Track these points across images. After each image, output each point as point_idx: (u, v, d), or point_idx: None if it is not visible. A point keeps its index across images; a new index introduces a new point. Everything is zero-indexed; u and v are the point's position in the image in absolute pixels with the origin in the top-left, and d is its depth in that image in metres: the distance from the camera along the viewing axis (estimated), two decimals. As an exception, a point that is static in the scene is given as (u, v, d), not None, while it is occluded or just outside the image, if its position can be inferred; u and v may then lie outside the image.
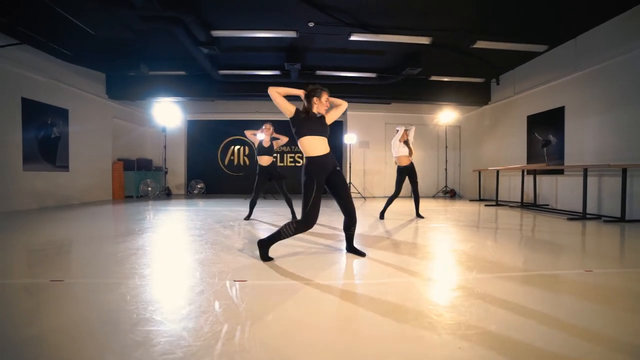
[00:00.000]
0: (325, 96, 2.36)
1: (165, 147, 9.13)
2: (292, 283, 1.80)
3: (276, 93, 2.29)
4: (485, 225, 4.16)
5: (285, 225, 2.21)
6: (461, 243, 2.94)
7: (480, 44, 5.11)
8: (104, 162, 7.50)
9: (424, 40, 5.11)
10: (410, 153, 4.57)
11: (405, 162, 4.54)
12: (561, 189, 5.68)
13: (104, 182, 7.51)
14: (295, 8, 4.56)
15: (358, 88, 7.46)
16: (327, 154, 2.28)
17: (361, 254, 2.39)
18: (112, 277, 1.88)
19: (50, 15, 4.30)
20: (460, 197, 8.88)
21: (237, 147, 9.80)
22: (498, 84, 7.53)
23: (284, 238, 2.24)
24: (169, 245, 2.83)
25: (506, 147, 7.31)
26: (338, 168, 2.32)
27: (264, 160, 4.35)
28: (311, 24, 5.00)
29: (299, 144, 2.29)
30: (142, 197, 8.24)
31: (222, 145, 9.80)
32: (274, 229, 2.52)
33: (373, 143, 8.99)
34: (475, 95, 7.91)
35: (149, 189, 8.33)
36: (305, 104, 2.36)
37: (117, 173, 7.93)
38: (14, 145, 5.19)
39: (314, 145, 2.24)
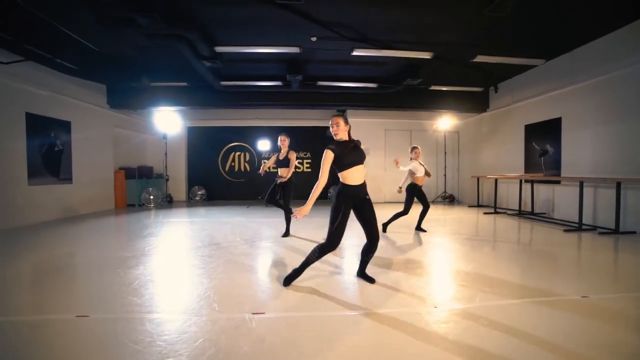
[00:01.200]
0: (336, 121, 2.39)
1: (166, 154, 9.19)
2: (313, 315, 1.90)
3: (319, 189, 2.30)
4: (485, 237, 4.29)
5: (311, 252, 2.37)
6: (463, 262, 3.06)
7: (480, 58, 5.21)
8: (106, 172, 7.54)
9: (426, 55, 5.21)
10: (427, 173, 4.52)
11: (421, 182, 4.50)
12: (558, 198, 5.83)
13: (107, 192, 7.55)
14: (299, 24, 4.62)
15: (358, 97, 7.54)
16: (363, 183, 2.37)
17: (371, 280, 2.50)
18: (134, 312, 1.96)
19: (55, 33, 4.32)
20: (459, 203, 9.03)
21: (237, 154, 9.85)
22: (496, 92, 7.64)
23: (311, 264, 2.41)
24: (182, 269, 2.91)
25: (504, 154, 7.44)
26: (368, 197, 2.40)
27: (282, 171, 4.36)
28: (314, 39, 5.06)
29: (339, 175, 2.35)
30: (144, 205, 8.29)
31: (222, 151, 9.85)
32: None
33: (373, 149, 9.09)
34: (474, 102, 8.03)
35: (151, 197, 8.38)
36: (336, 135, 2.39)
37: (119, 182, 7.96)
38: (19, 160, 5.22)
39: (356, 176, 2.32)
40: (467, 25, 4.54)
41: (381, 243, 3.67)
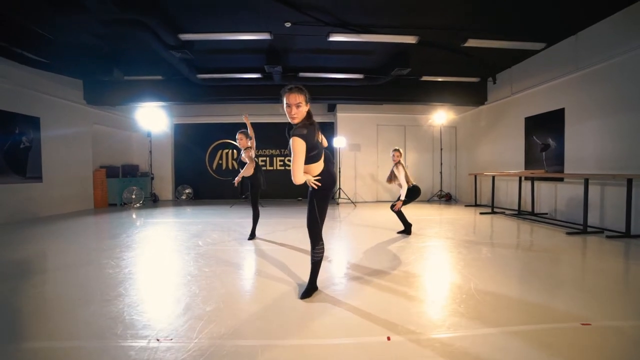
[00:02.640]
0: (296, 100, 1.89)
1: (150, 152, 8.88)
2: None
3: (300, 175, 1.90)
4: (481, 240, 3.81)
5: (312, 256, 2.10)
6: (456, 274, 2.61)
7: (472, 42, 4.71)
8: (84, 170, 7.23)
9: (410, 40, 4.73)
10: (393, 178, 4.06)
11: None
12: (561, 197, 5.30)
13: (84, 191, 7.25)
14: (269, 8, 4.20)
15: (346, 89, 7.08)
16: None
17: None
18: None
19: (7, 21, 3.99)
20: (456, 201, 8.51)
21: (225, 151, 9.49)
22: (494, 83, 7.10)
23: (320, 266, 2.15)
24: (162, 291, 2.44)
25: (503, 150, 6.91)
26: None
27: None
28: (288, 24, 4.63)
29: (309, 167, 1.98)
30: (126, 204, 7.98)
31: (210, 149, 9.50)
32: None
33: (365, 146, 8.62)
34: (471, 95, 7.49)
35: (133, 196, 8.07)
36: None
37: (99, 181, 7.66)
38: (-22, 158, 4.92)
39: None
40: (456, 3, 4.06)
41: (370, 250, 3.21)
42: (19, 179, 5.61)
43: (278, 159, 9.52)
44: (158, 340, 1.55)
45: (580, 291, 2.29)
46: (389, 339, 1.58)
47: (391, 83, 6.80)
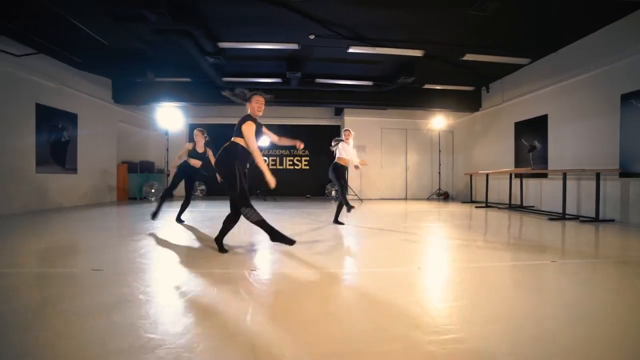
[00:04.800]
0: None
1: (167, 149, 9.42)
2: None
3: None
4: (478, 224, 4.50)
5: (247, 218, 2.54)
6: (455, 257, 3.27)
7: (469, 57, 5.49)
8: (110, 165, 7.75)
9: (417, 53, 5.48)
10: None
11: (345, 163, 4.44)
12: (545, 192, 6.07)
13: (110, 184, 7.75)
14: (298, 22, 4.89)
15: (355, 95, 7.82)
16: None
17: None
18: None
19: (66, 25, 4.58)
20: (453, 199, 9.25)
21: (237, 150, 10.07)
22: (488, 91, 7.93)
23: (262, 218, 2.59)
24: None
25: (495, 152, 7.70)
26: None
27: (195, 163, 4.46)
28: (312, 37, 5.34)
29: (242, 139, 2.62)
30: (145, 198, 8.48)
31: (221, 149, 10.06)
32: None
33: (370, 147, 9.34)
34: (467, 102, 8.31)
35: (153, 190, 8.58)
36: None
37: (121, 175, 8.17)
38: (28, 149, 5.44)
39: None
40: (456, 24, 4.82)
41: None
42: (59, 170, 6.13)
43: (287, 159, 10.16)
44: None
45: (553, 248, 2.99)
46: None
47: (396, 90, 7.56)
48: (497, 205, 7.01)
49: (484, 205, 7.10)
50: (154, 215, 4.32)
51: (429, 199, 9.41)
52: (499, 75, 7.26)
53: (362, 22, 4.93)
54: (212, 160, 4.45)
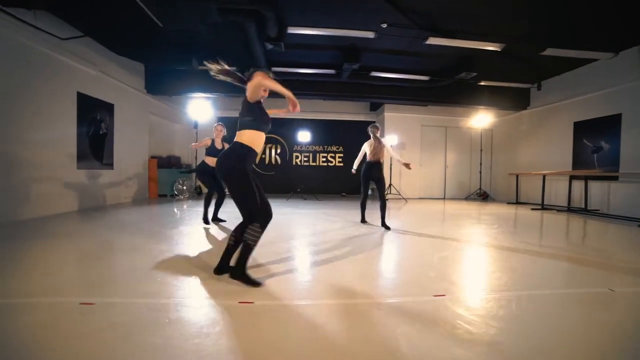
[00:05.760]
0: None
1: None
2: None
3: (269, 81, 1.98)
4: (552, 238, 4.20)
5: (246, 233, 1.94)
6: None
7: (550, 51, 5.15)
8: (143, 160, 7.22)
9: (495, 47, 5.12)
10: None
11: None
12: (614, 195, 5.83)
13: (143, 180, 7.23)
14: (376, 7, 4.47)
15: (403, 90, 7.42)
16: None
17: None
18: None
19: (121, 2, 4.07)
20: (493, 200, 9.01)
21: (268, 146, 9.62)
22: (539, 89, 7.64)
23: (253, 247, 1.96)
24: None
25: (547, 152, 7.44)
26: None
27: (212, 161, 4.07)
28: (384, 25, 4.92)
29: (246, 134, 2.02)
30: (176, 196, 7.99)
31: (252, 143, 9.59)
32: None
33: (409, 145, 8.99)
34: (515, 99, 8.01)
35: (184, 187, 8.08)
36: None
37: (152, 171, 7.65)
38: (69, 142, 4.92)
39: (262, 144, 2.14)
40: (541, 14, 4.44)
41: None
42: (98, 165, 5.61)
43: (321, 155, 9.74)
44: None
45: None
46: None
47: (447, 86, 7.21)
48: (554, 208, 6.76)
49: (538, 207, 6.85)
50: (206, 220, 4.00)
51: (467, 198, 9.15)
52: (556, 72, 6.97)
53: (444, 11, 4.53)
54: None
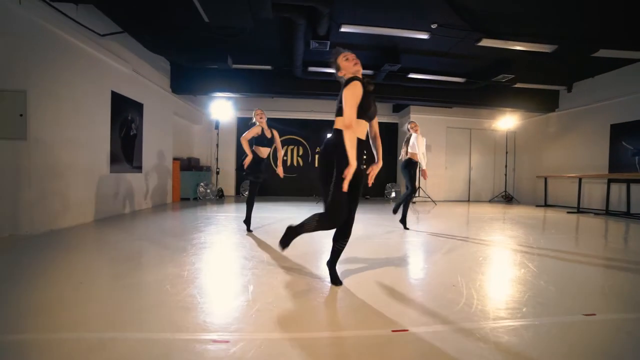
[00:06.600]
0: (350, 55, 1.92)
1: (217, 145, 8.61)
2: None
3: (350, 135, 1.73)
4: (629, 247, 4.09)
5: (309, 218, 1.88)
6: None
7: (603, 53, 5.06)
8: (167, 162, 6.92)
9: (546, 49, 5.00)
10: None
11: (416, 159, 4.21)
12: (657, 199, 5.78)
13: (167, 183, 6.92)
14: (431, 6, 4.30)
15: (440, 92, 7.30)
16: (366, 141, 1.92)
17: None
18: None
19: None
20: (519, 202, 8.95)
21: (290, 147, 9.39)
22: (569, 91, 7.59)
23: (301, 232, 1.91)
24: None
25: (577, 154, 7.38)
26: (363, 166, 1.88)
27: (265, 152, 3.73)
28: (434, 26, 4.76)
29: (339, 121, 1.79)
30: (199, 199, 7.70)
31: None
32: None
33: (434, 147, 8.87)
34: (542, 102, 7.94)
35: (208, 190, 7.80)
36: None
37: (175, 173, 7.35)
38: (103, 144, 4.61)
39: (364, 130, 1.88)
40: (596, 14, 4.32)
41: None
42: (128, 168, 5.31)
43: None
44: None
45: None
46: None
47: (479, 88, 7.10)
48: (590, 211, 6.70)
49: (573, 210, 6.78)
50: (248, 226, 3.80)
51: (491, 201, 9.07)
52: (590, 74, 6.91)
53: (494, 10, 4.37)
54: (278, 142, 3.80)
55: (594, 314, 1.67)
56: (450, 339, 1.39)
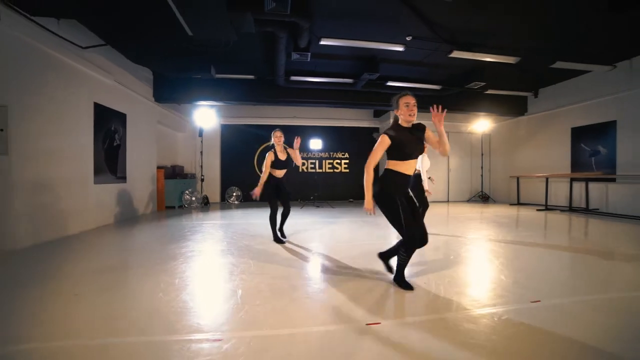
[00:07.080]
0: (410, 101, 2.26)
1: (201, 152, 8.63)
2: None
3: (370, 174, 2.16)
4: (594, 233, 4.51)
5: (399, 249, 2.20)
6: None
7: (559, 64, 5.55)
8: (152, 170, 6.90)
9: (511, 60, 5.42)
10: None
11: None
12: (612, 195, 6.34)
13: (151, 192, 6.90)
14: (406, 21, 4.61)
15: (418, 99, 7.64)
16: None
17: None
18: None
19: (149, 7, 3.91)
20: (495, 201, 9.47)
21: (274, 153, 9.51)
22: (536, 97, 8.17)
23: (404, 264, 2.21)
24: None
25: (545, 155, 7.95)
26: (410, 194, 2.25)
27: (280, 174, 3.83)
28: (409, 38, 5.08)
29: (390, 163, 2.16)
30: (185, 207, 7.69)
31: (258, 151, 9.45)
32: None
33: (414, 150, 9.25)
34: (512, 106, 8.50)
35: (193, 198, 7.81)
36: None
37: (160, 182, 7.32)
38: (87, 155, 4.61)
39: (411, 167, 2.17)
40: (552, 30, 4.79)
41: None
42: (112, 179, 5.30)
43: (327, 162, 9.78)
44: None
45: None
46: None
47: (453, 94, 7.53)
48: (556, 208, 7.23)
49: (542, 208, 7.30)
50: (278, 239, 3.79)
51: (469, 201, 9.55)
52: (553, 82, 7.49)
53: (464, 25, 4.75)
54: (297, 157, 3.81)
55: (539, 301, 1.94)
56: (414, 332, 1.61)
